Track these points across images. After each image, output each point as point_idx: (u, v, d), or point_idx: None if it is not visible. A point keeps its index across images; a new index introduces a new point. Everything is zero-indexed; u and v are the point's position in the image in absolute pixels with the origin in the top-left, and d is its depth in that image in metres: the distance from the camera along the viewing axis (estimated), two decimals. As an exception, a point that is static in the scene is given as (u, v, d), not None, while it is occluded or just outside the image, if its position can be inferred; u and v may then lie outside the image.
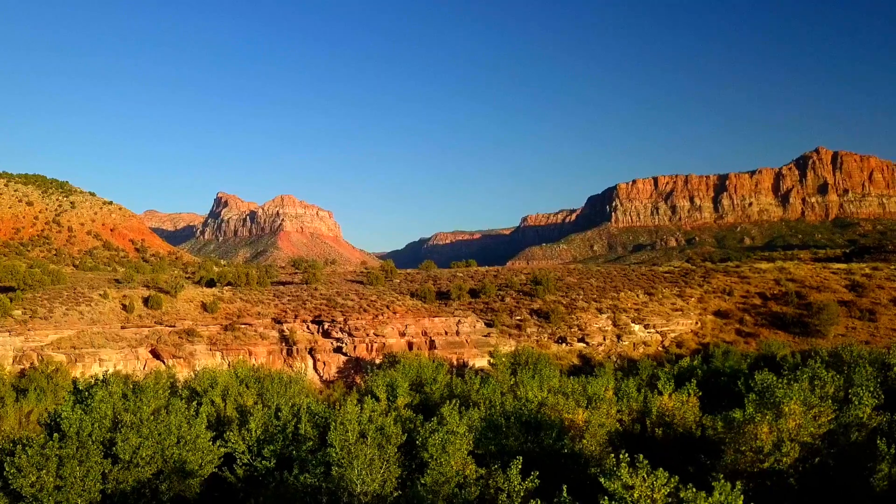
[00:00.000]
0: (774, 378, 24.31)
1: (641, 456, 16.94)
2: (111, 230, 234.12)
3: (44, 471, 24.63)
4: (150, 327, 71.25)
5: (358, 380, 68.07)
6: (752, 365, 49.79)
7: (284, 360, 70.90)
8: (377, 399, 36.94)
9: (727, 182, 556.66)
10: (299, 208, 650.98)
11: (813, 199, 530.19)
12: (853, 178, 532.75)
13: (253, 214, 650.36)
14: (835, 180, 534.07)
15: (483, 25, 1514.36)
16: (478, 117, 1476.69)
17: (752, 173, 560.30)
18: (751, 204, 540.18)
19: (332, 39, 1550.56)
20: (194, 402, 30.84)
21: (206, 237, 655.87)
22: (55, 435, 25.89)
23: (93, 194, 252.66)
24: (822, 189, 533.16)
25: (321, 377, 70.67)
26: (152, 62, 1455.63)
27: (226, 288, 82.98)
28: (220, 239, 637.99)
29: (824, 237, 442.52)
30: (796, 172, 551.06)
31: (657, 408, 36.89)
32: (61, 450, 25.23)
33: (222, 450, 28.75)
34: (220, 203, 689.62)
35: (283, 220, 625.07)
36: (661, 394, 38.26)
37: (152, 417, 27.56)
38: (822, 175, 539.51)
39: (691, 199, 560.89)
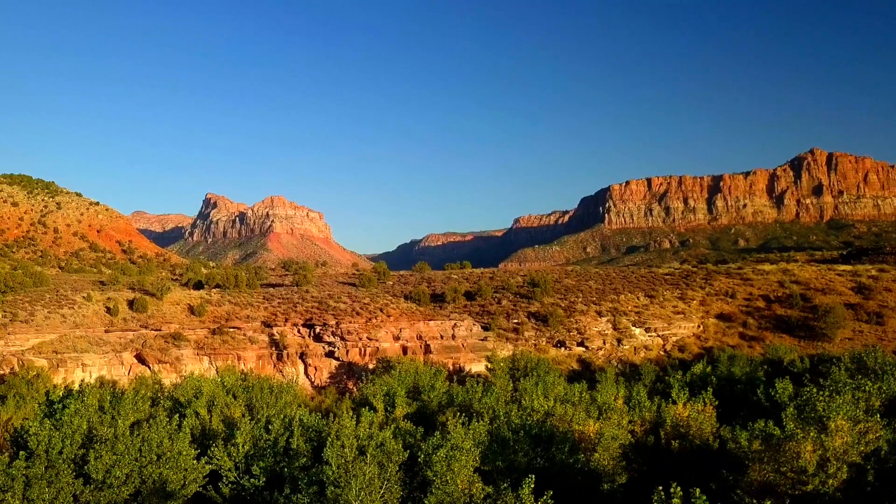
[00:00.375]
0: (815, 389, 22.14)
1: (698, 490, 14.71)
2: (98, 231, 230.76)
3: (9, 493, 22.43)
4: (134, 331, 68.67)
5: (350, 385, 65.79)
6: (767, 372, 47.72)
7: (274, 365, 68.51)
8: (374, 409, 34.73)
9: (721, 183, 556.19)
10: (289, 209, 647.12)
11: (807, 201, 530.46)
12: (848, 180, 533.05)
13: (242, 216, 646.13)
14: (829, 181, 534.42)
15: (475, 26, 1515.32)
16: (470, 118, 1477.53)
17: (747, 174, 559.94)
18: (745, 205, 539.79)
19: (322, 39, 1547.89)
20: (177, 415, 28.53)
21: (194, 239, 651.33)
22: (22, 453, 23.58)
23: (79, 195, 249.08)
24: (817, 190, 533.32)
25: (312, 383, 68.32)
26: (141, 62, 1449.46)
27: (214, 290, 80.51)
28: (209, 240, 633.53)
29: (819, 239, 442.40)
30: (791, 173, 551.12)
31: (671, 418, 34.82)
32: (28, 469, 23.00)
33: (207, 467, 26.52)
34: (208, 204, 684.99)
35: (272, 221, 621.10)
36: (674, 403, 36.21)
37: (128, 432, 25.25)
38: (817, 176, 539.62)
39: (685, 201, 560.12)
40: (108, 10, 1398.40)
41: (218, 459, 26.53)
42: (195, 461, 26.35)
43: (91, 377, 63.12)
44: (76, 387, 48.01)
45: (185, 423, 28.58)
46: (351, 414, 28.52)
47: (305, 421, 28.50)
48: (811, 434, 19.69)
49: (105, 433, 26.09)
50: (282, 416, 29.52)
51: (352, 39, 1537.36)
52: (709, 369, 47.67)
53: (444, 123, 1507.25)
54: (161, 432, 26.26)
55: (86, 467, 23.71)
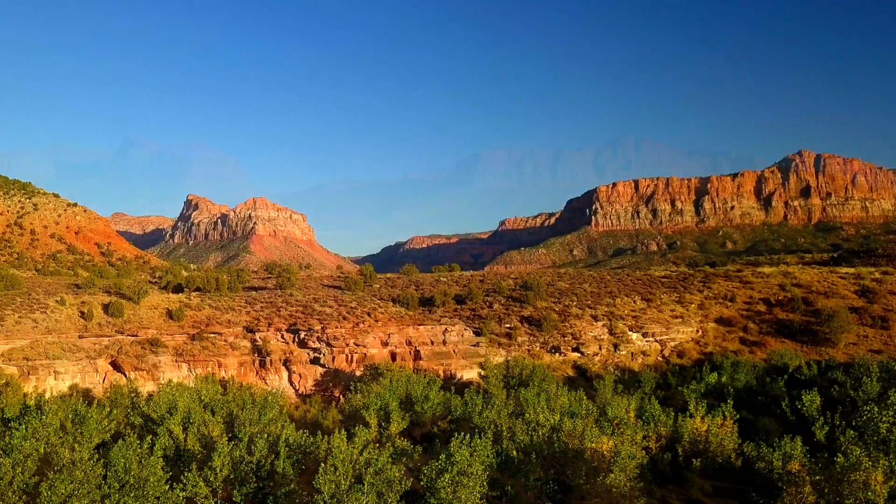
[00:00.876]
0: (875, 408, 19.48)
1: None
2: (76, 233, 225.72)
3: (-51, 530, 19.24)
4: (110, 337, 65.30)
5: (337, 393, 62.80)
6: (787, 382, 45.16)
7: (257, 373, 65.32)
8: (366, 424, 31.76)
9: (709, 185, 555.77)
10: (272, 211, 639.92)
11: (796, 203, 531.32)
12: (836, 182, 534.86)
13: (224, 217, 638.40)
14: (818, 183, 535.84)
15: (462, 26, 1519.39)
16: (457, 119, 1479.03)
17: (734, 176, 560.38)
18: (733, 207, 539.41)
19: (310, 39, 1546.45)
20: (149, 436, 25.43)
21: (175, 241, 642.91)
22: (-35, 483, 20.47)
23: (56, 196, 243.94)
24: (805, 192, 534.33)
25: (297, 390, 65.18)
26: (124, 61, 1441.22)
27: (194, 294, 77.15)
28: (191, 243, 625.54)
29: (807, 241, 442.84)
30: (779, 175, 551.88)
31: (689, 433, 32.20)
32: (-28, 502, 19.85)
33: (182, 495, 23.40)
34: (190, 206, 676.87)
35: (255, 223, 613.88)
36: (691, 416, 33.58)
37: (87, 456, 22.12)
38: (805, 178, 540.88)
39: (672, 203, 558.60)
40: (89, 8, 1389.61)
41: (192, 486, 23.48)
42: (168, 487, 23.30)
43: (64, 385, 59.89)
44: (49, 394, 44.68)
45: (157, 443, 25.51)
46: (341, 429, 25.64)
47: (292, 441, 25.49)
48: (882, 463, 17.01)
49: (66, 456, 23.01)
50: (266, 434, 26.49)
51: (336, 40, 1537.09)
52: (724, 379, 45.01)
53: (431, 124, 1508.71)
54: (129, 455, 23.19)
55: (38, 499, 20.62)
